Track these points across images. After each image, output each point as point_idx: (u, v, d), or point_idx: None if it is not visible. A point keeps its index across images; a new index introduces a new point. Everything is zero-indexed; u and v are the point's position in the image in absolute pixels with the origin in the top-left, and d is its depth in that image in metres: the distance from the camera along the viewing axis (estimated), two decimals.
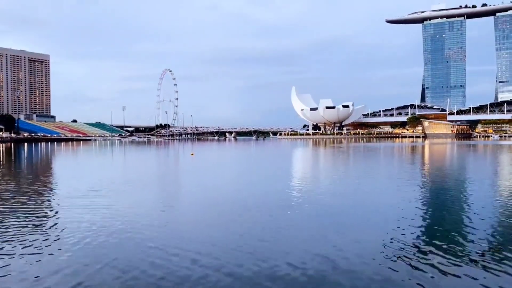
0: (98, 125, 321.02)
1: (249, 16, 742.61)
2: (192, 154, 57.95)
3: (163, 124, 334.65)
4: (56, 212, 13.82)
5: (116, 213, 13.46)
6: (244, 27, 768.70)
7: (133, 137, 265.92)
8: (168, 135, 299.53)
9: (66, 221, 12.27)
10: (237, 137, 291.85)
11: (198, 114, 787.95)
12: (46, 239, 10.13)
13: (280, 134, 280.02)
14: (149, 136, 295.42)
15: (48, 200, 16.61)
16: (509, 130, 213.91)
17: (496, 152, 57.67)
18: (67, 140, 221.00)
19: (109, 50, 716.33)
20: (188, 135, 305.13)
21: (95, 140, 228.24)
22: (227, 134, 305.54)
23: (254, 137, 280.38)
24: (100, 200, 16.10)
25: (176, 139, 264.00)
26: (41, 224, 11.90)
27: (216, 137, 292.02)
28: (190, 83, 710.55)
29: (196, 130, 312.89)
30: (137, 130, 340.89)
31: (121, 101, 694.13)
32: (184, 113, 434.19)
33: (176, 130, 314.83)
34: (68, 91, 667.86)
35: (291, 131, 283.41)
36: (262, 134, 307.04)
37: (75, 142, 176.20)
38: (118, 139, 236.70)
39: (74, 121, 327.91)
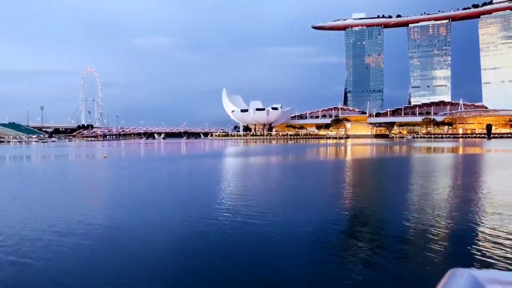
0: (12, 125, 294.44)
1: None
2: (105, 156, 55.54)
3: (86, 125, 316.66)
4: None
5: None
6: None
7: (53, 139, 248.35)
8: (92, 136, 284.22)
9: None
10: (166, 138, 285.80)
11: (125, 114, 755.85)
12: None
13: (211, 135, 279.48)
14: (70, 137, 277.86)
15: None
16: (421, 131, 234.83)
17: (403, 149, 63.55)
18: None
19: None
20: (113, 136, 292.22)
21: (9, 142, 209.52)
22: (155, 135, 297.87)
23: (184, 138, 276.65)
24: None
25: (100, 140, 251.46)
26: None
27: (143, 138, 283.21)
28: (116, 83, 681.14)
29: (122, 131, 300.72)
30: (57, 131, 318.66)
31: (39, 100, 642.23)
32: (109, 113, 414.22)
33: (100, 131, 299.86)
34: None
35: (222, 132, 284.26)
36: (193, 135, 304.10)
37: None
38: (35, 141, 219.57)
39: None
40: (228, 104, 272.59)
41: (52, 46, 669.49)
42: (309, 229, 11.24)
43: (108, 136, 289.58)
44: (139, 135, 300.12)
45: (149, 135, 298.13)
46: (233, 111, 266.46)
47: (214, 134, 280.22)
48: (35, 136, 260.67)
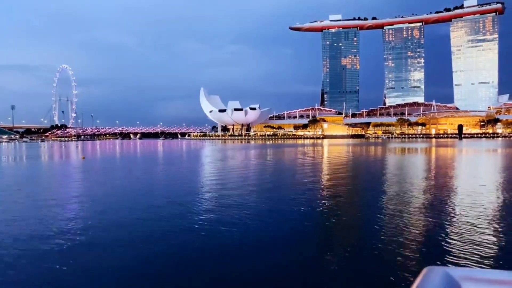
0: None
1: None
2: (83, 157, 55.11)
3: (59, 125, 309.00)
4: None
5: None
6: None
7: (24, 139, 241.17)
8: (65, 137, 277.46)
9: None
10: (143, 139, 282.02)
11: (100, 114, 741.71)
12: None
13: (189, 135, 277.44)
14: (43, 138, 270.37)
15: None
16: (395, 132, 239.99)
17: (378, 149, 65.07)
18: None
19: None
20: (88, 137, 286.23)
21: None
22: (131, 136, 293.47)
23: (160, 139, 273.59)
24: None
25: (74, 140, 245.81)
26: None
27: (119, 138, 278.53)
28: (90, 83, 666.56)
29: (97, 131, 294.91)
30: (29, 131, 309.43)
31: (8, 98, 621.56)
32: (84, 112, 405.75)
33: (75, 131, 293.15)
34: None
35: (200, 132, 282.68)
36: (170, 135, 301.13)
37: None
38: (6, 141, 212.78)
39: None
40: (206, 104, 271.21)
41: (15, 39, 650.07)
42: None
43: (82, 137, 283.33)
44: (114, 135, 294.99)
45: (125, 135, 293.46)
46: (211, 111, 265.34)
47: (191, 134, 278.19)
48: (6, 136, 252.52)
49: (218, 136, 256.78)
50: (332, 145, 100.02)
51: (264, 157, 52.60)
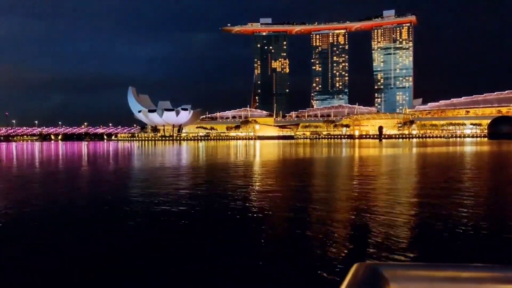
0: None
1: None
2: (1, 161, 51.08)
3: None
4: None
5: None
6: None
7: None
8: None
9: None
10: (65, 140, 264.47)
11: (17, 112, 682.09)
12: None
13: (116, 136, 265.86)
14: None
15: None
16: (322, 133, 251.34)
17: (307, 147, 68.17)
18: None
19: None
20: (2, 138, 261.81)
21: None
22: (52, 136, 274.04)
23: (85, 141, 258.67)
24: None
25: None
26: None
27: (35, 138, 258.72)
28: None
29: (13, 132, 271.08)
30: None
31: None
32: None
33: None
34: None
35: (129, 133, 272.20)
36: (96, 136, 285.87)
37: None
38: None
39: None
40: (134, 104, 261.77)
41: None
42: None
43: None
44: (33, 135, 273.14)
45: (45, 136, 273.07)
46: (140, 111, 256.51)
47: (119, 135, 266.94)
48: None
49: (148, 137, 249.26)
50: (264, 146, 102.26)
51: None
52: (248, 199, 16.92)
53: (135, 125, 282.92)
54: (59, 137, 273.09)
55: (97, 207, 15.74)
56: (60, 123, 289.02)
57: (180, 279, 7.87)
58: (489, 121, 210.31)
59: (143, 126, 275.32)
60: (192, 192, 19.37)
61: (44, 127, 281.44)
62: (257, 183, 22.94)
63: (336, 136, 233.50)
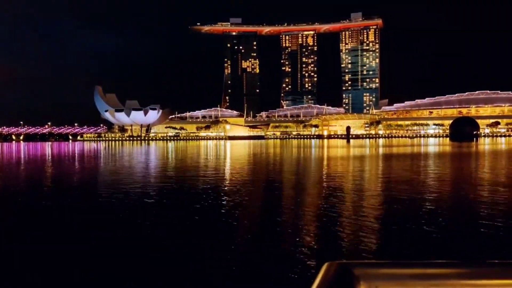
0: None
1: None
2: None
3: None
4: None
5: None
6: None
7: None
8: None
9: None
10: (27, 140, 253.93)
11: None
12: None
13: (82, 136, 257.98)
14: None
15: None
16: (292, 133, 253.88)
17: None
18: None
19: None
20: None
21: None
22: (13, 137, 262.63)
23: (49, 141, 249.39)
24: None
25: None
26: None
27: None
28: None
29: None
30: None
31: None
32: None
33: None
34: None
35: (95, 133, 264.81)
36: (61, 136, 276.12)
37: None
38: None
39: None
40: (101, 103, 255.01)
41: None
42: None
43: None
44: None
45: (6, 137, 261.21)
46: (106, 111, 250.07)
47: (85, 135, 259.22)
48: None
49: (115, 137, 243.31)
50: (234, 146, 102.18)
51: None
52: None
53: (101, 125, 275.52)
54: (21, 138, 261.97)
55: None
56: (22, 122, 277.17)
57: None
58: (450, 121, 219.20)
59: (110, 126, 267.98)
60: None
61: (4, 127, 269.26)
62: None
63: (305, 136, 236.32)
